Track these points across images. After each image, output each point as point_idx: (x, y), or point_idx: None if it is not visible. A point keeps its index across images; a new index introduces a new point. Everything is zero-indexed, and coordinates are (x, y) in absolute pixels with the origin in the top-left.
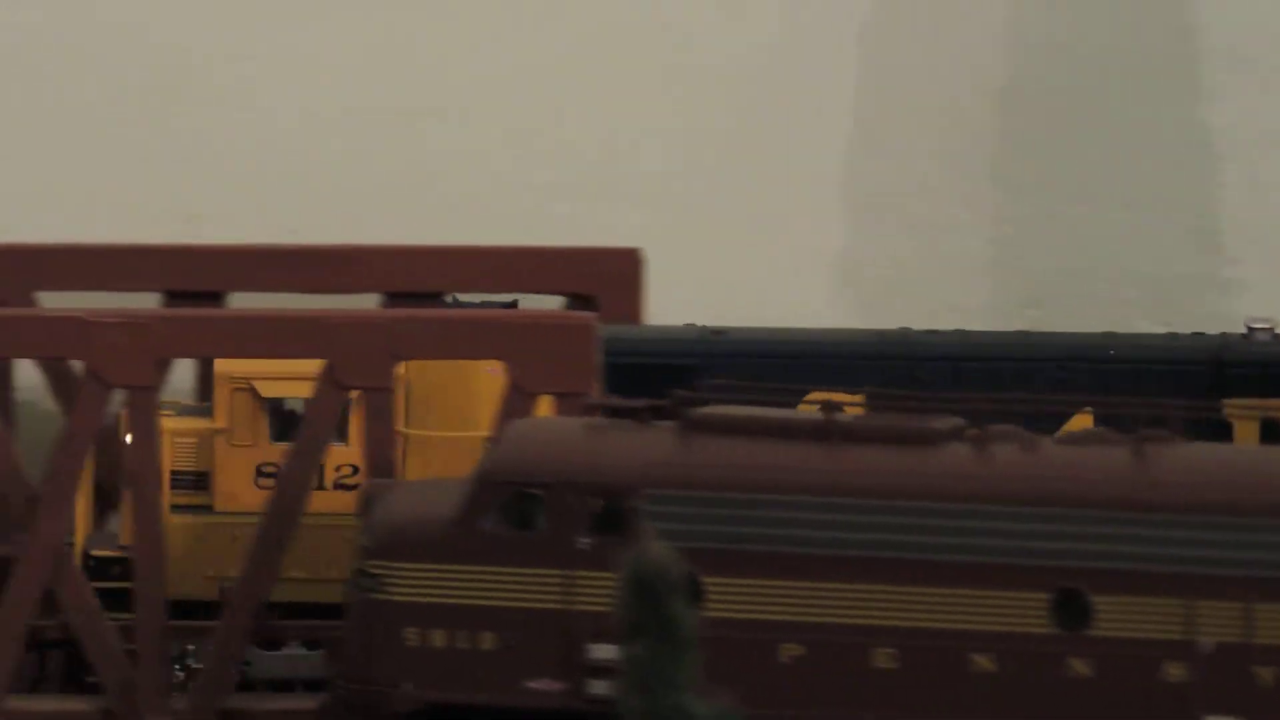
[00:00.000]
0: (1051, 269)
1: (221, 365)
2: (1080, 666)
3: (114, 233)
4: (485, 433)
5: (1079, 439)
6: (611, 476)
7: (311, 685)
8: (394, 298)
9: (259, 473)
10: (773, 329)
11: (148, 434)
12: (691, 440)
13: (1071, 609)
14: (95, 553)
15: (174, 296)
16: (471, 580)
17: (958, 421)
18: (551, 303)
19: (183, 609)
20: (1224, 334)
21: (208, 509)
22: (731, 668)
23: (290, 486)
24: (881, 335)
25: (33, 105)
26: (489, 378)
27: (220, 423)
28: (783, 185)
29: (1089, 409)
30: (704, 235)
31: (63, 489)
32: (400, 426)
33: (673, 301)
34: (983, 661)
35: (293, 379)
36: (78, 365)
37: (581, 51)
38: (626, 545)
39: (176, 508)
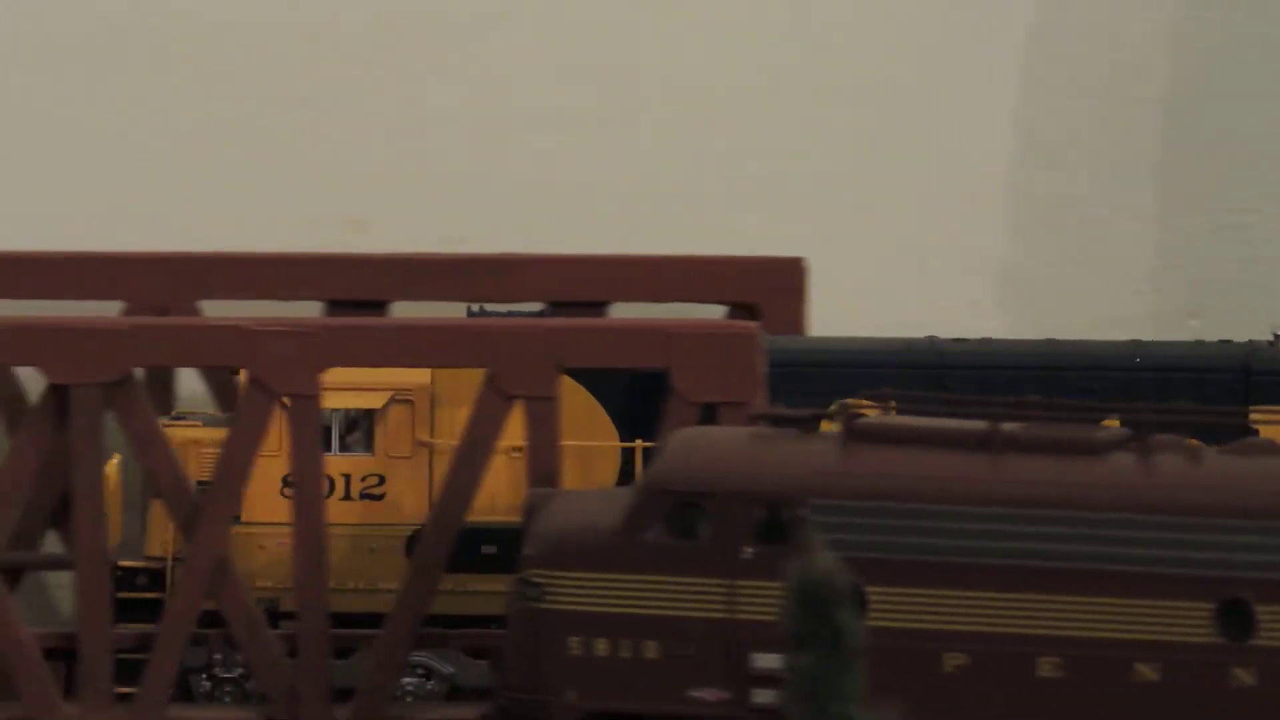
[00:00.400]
0: (1216, 279)
1: (246, 376)
2: (1244, 676)
3: (277, 241)
4: (513, 443)
5: (1242, 449)
6: (776, 486)
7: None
8: (556, 307)
9: (284, 483)
10: (799, 338)
11: (312, 443)
12: (855, 449)
13: (1236, 619)
14: (122, 563)
15: (336, 305)
16: (635, 589)
17: (1122, 431)
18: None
19: (211, 620)
20: (1251, 341)
21: (234, 519)
22: (895, 678)
23: (453, 496)
24: (909, 344)
25: (196, 113)
26: None
27: None
28: (943, 193)
29: (1114, 416)
30: (863, 243)
31: (225, 499)
32: (426, 436)
33: (834, 310)
34: (1146, 671)
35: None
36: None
37: (740, 60)
38: (791, 555)
39: None
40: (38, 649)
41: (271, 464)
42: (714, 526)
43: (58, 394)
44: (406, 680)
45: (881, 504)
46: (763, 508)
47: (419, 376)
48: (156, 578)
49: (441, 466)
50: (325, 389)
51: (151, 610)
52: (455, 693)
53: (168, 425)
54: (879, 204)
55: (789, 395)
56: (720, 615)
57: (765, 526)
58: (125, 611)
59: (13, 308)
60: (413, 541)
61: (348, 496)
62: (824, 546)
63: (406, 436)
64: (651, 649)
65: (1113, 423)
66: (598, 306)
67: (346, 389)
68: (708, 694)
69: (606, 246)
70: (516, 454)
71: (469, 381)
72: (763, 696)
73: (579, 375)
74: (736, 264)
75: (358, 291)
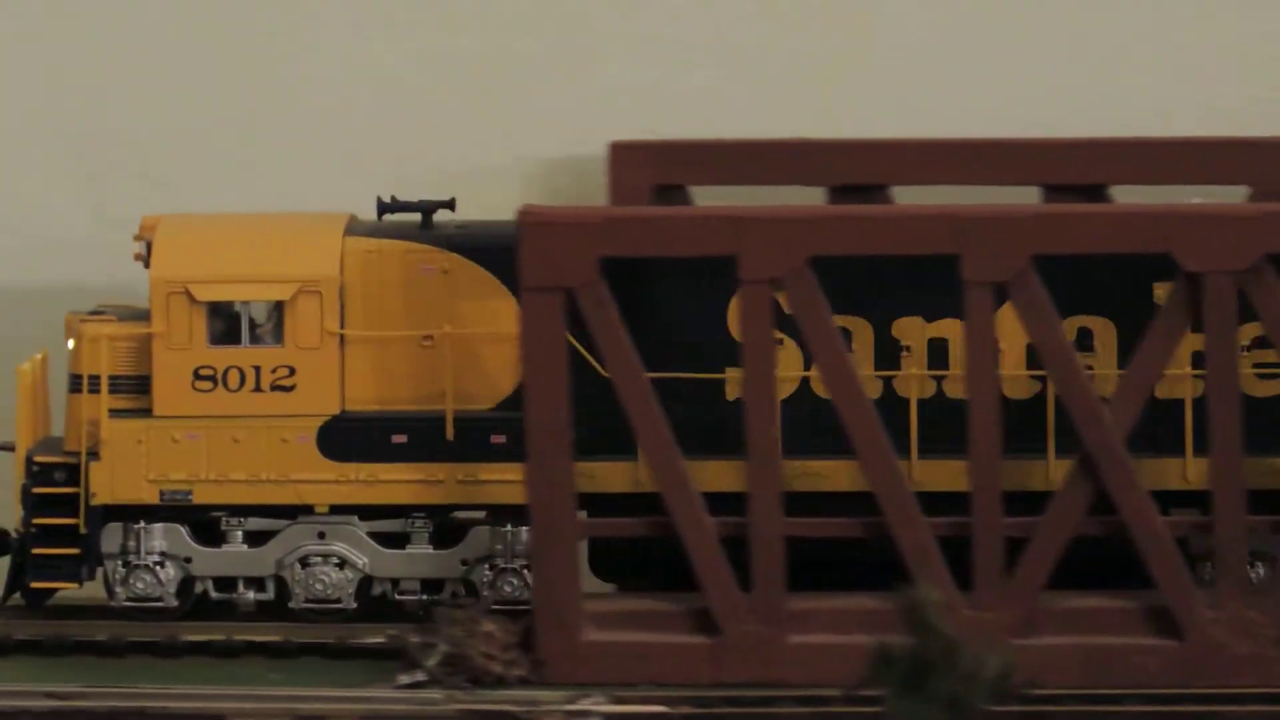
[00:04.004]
0: None
1: (157, 270)
2: None
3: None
4: (424, 332)
5: None
6: None
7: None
8: None
9: (196, 375)
10: None
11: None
12: None
13: None
14: (39, 459)
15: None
16: None
17: None
18: None
19: (123, 513)
20: None
21: (147, 412)
22: None
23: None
24: None
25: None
26: (426, 277)
27: (157, 327)
28: None
29: None
30: None
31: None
32: (334, 327)
33: None
34: None
35: (230, 282)
36: None
37: None
38: None
39: (116, 412)
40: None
41: (182, 358)
42: None
43: (1191, 282)
44: None
45: None
46: None
47: (326, 268)
48: (74, 472)
49: (354, 357)
50: (238, 282)
51: (69, 505)
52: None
53: (84, 320)
54: None
55: None
56: None
57: None
58: (43, 507)
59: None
60: (324, 432)
61: (258, 388)
62: None
63: (315, 328)
64: None
65: None
66: None
67: (255, 281)
68: None
69: None
70: (427, 343)
71: (377, 271)
72: None
73: (479, 256)
74: None
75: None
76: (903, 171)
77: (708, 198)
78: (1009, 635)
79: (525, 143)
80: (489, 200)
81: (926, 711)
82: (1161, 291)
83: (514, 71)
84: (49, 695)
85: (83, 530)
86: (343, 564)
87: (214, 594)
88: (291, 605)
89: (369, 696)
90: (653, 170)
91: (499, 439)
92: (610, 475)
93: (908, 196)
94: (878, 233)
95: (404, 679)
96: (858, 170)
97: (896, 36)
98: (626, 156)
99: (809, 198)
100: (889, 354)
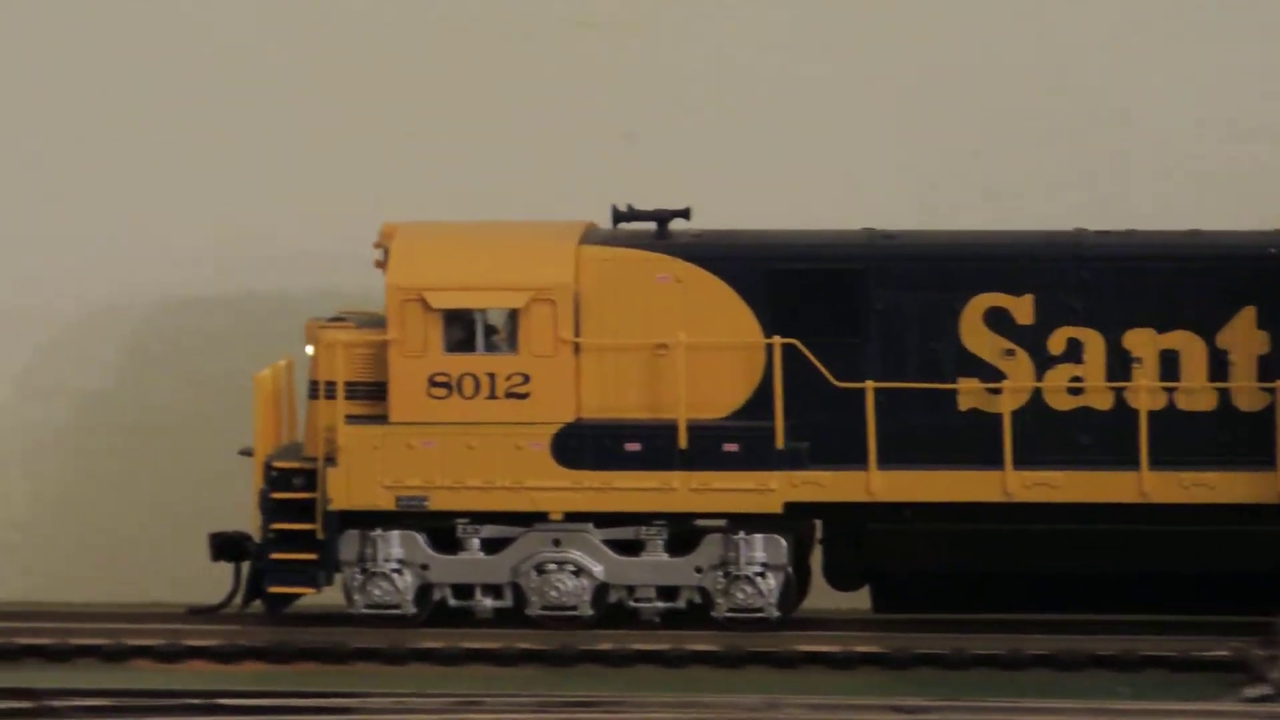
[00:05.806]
0: None
1: (393, 277)
2: None
3: None
4: (658, 341)
5: None
6: None
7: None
8: None
9: (431, 382)
10: (940, 231)
11: None
12: None
13: None
14: (277, 465)
15: None
16: None
17: None
18: None
19: (359, 519)
20: None
21: (383, 419)
22: None
23: None
24: (1049, 237)
25: None
26: (660, 286)
27: (393, 334)
28: None
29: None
30: None
31: None
32: (569, 335)
33: None
34: None
35: (463, 290)
36: None
37: None
38: None
39: (352, 418)
40: None
41: (418, 364)
42: None
43: None
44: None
45: None
46: None
47: (561, 276)
48: (311, 478)
49: (588, 365)
50: (471, 289)
51: (307, 511)
52: None
53: (322, 327)
54: None
55: None
56: None
57: None
58: (281, 513)
59: None
60: (558, 439)
61: (493, 395)
62: None
63: (549, 335)
64: None
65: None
66: None
67: (490, 289)
68: None
69: None
70: (660, 352)
71: (612, 280)
72: None
73: (714, 266)
74: None
75: None
76: None
77: None
78: None
79: None
80: None
81: None
82: None
83: None
84: (895, 709)
85: (320, 536)
86: (579, 571)
87: (452, 601)
88: (528, 613)
89: (1216, 710)
90: None
91: (731, 448)
92: (1233, 485)
93: None
94: None
95: (1250, 692)
96: None
97: None
98: None
99: None
100: (1120, 365)
